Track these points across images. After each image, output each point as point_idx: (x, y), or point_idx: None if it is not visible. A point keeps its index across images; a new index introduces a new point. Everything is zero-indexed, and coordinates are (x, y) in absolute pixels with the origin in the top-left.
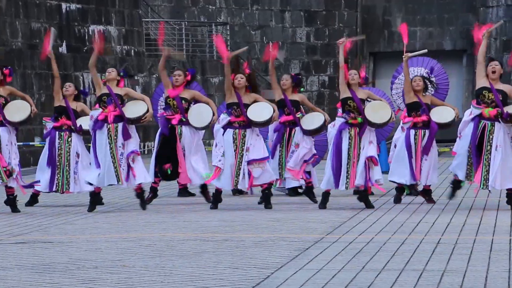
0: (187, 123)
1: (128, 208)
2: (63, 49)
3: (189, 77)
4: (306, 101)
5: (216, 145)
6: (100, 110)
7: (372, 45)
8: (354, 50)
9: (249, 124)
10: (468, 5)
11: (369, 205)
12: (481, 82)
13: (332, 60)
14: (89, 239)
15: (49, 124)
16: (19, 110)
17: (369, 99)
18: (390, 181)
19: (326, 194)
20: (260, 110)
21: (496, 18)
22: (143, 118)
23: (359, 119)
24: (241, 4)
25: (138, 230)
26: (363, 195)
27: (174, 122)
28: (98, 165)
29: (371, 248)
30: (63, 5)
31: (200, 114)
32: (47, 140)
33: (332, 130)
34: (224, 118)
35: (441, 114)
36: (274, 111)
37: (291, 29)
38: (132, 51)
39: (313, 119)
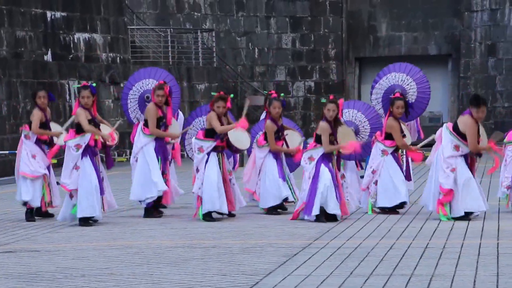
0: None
1: (115, 216)
2: (48, 57)
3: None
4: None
5: (197, 171)
6: (89, 135)
7: (357, 50)
8: (340, 56)
9: (228, 148)
10: (452, 9)
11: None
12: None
13: (318, 66)
14: (76, 247)
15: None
16: None
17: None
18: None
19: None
20: (240, 137)
21: (480, 22)
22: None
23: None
24: (226, 10)
25: (125, 238)
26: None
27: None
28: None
29: (359, 254)
30: (48, 13)
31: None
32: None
33: (311, 164)
34: (210, 145)
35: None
36: (249, 140)
37: (277, 35)
38: (118, 58)
39: (292, 138)
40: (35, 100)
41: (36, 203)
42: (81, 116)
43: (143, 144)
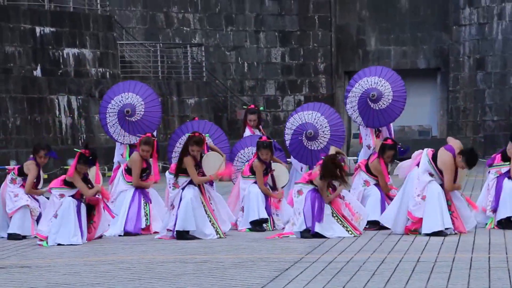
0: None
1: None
2: (37, 72)
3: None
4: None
5: (173, 207)
6: (75, 190)
7: (346, 64)
8: (329, 70)
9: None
10: (441, 24)
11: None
12: None
13: (307, 80)
14: (67, 262)
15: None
16: None
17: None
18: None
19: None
20: (213, 162)
21: (469, 36)
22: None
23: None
24: (215, 25)
25: (117, 253)
26: None
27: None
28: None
29: (350, 268)
30: (37, 29)
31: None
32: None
33: (300, 198)
34: (185, 181)
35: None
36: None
37: (266, 49)
38: (107, 73)
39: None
40: (34, 156)
41: (25, 233)
42: (76, 179)
43: (122, 190)
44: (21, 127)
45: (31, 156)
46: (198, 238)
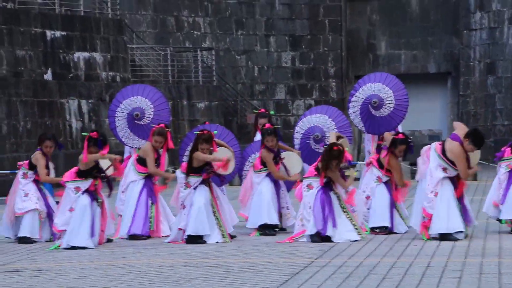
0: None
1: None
2: (48, 76)
3: None
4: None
5: (184, 207)
6: (89, 182)
7: (357, 68)
8: (339, 74)
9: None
10: (451, 28)
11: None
12: None
13: (318, 84)
14: (77, 266)
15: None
16: None
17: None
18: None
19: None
20: (291, 161)
21: (479, 41)
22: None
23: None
24: (225, 29)
25: (127, 256)
26: None
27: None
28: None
29: (360, 272)
30: (48, 33)
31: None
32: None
33: (310, 192)
34: (197, 180)
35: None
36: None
37: (276, 53)
38: (118, 77)
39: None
40: (41, 146)
41: (35, 236)
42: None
43: (132, 180)
44: (31, 131)
45: (38, 147)
46: (208, 242)
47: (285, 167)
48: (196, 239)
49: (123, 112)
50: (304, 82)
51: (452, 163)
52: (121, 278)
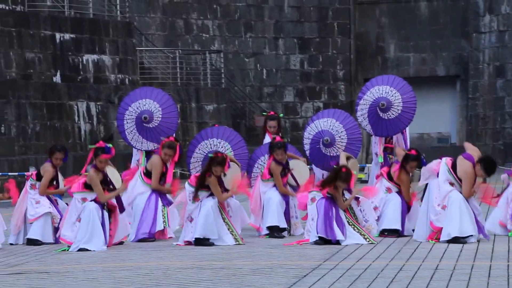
0: None
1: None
2: (57, 78)
3: None
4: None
5: (191, 220)
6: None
7: (365, 71)
8: (348, 77)
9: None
10: (461, 31)
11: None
12: None
13: (326, 87)
14: (85, 268)
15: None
16: None
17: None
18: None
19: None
20: (300, 169)
21: (488, 44)
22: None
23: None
24: (234, 32)
25: (134, 259)
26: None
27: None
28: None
29: (369, 275)
30: (57, 35)
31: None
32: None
33: (313, 205)
34: (206, 194)
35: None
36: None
37: (285, 56)
38: (127, 79)
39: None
40: (51, 158)
41: (46, 240)
42: (94, 181)
43: (140, 192)
44: (40, 133)
45: (48, 159)
46: (217, 245)
47: (294, 178)
48: (203, 241)
49: (131, 115)
50: (313, 85)
51: (460, 180)
52: (129, 281)
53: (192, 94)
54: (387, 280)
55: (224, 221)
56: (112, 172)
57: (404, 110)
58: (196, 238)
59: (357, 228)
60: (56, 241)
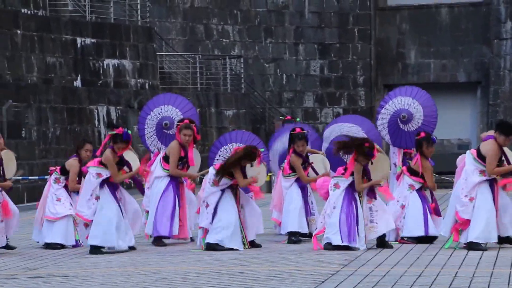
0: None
1: (142, 242)
2: (78, 82)
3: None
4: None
5: (207, 206)
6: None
7: (386, 77)
8: (368, 83)
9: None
10: (482, 37)
11: (388, 246)
12: None
13: (346, 92)
14: (104, 273)
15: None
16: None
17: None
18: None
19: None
20: (256, 175)
21: (510, 50)
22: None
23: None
24: (254, 37)
25: (153, 263)
26: (382, 240)
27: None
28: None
29: (387, 281)
30: (78, 40)
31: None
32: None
33: (336, 192)
34: (226, 183)
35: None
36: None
37: (305, 61)
38: (147, 84)
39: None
40: (79, 151)
41: (69, 243)
42: (109, 161)
43: (158, 176)
44: (60, 137)
45: (74, 154)
46: (229, 249)
47: (314, 171)
48: (214, 246)
49: (152, 120)
50: (333, 91)
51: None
52: (148, 285)
53: (211, 99)
54: (406, 286)
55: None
56: (132, 158)
57: (424, 124)
58: (208, 243)
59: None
60: (77, 244)
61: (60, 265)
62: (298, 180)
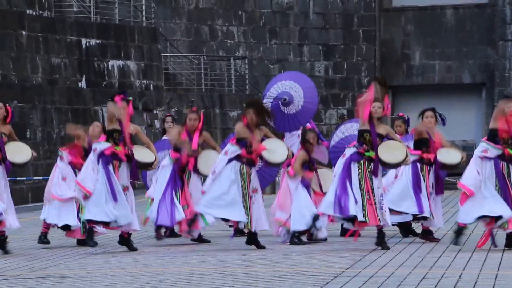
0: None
1: (147, 242)
2: (82, 83)
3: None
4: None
5: (213, 172)
6: (108, 144)
7: (390, 78)
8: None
9: (257, 161)
10: (487, 38)
11: (385, 247)
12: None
13: (351, 94)
14: (108, 273)
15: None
16: (20, 151)
17: (388, 137)
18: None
19: (317, 217)
20: (274, 149)
21: None
22: (150, 166)
23: (370, 153)
24: (259, 38)
25: (157, 264)
26: (381, 237)
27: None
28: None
29: (391, 283)
30: (83, 41)
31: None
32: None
33: (339, 160)
34: (235, 151)
35: (447, 155)
36: (288, 150)
37: (310, 62)
38: (151, 85)
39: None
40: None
41: (62, 222)
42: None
43: (164, 164)
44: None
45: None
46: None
47: (319, 182)
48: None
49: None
50: (337, 92)
51: (493, 141)
52: (152, 286)
53: (216, 100)
54: None
55: (244, 197)
56: (147, 153)
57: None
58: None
59: (363, 200)
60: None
61: (65, 266)
62: (303, 180)
